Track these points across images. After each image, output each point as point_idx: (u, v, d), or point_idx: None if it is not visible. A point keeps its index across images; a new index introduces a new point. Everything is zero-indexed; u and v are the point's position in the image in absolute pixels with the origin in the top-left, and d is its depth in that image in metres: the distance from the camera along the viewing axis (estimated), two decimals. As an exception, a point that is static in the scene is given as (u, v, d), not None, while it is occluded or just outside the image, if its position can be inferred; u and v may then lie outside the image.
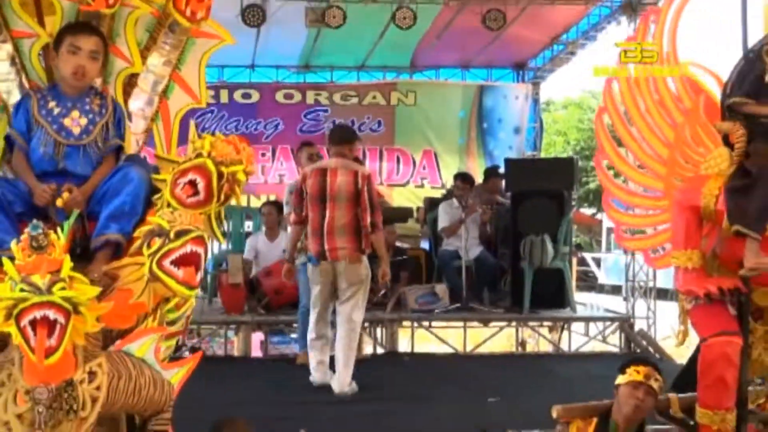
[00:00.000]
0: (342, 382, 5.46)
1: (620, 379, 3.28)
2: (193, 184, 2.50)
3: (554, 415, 3.47)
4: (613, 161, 3.83)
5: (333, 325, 5.71)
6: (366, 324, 7.12)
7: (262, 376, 6.44)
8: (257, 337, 8.11)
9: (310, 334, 5.71)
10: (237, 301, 7.40)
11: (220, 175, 2.49)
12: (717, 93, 3.46)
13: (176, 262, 2.39)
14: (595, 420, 3.40)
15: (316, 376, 5.60)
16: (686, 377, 4.04)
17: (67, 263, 2.17)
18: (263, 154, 10.81)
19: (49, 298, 2.09)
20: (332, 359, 5.70)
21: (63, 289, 2.11)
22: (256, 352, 8.01)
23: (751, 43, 3.32)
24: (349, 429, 4.50)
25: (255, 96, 10.93)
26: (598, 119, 3.95)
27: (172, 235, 2.40)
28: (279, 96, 11.08)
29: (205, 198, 2.50)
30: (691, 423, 3.35)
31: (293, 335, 8.19)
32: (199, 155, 2.50)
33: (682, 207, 3.34)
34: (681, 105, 3.60)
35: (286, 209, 6.79)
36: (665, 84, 3.65)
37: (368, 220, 5.42)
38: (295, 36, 9.61)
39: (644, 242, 3.84)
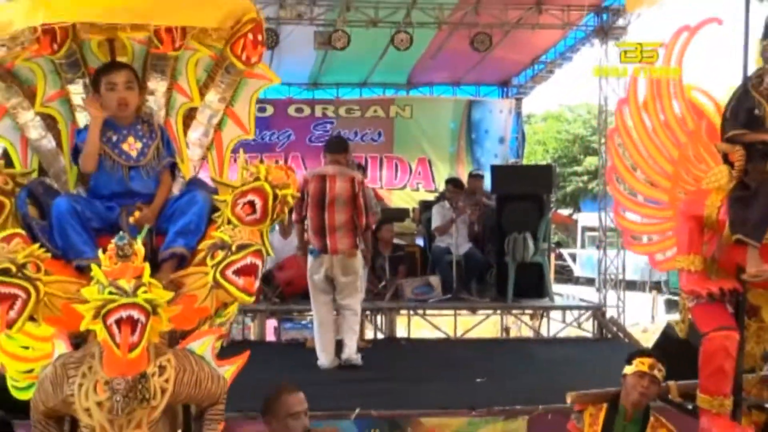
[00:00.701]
0: (349, 353, 5.66)
1: (627, 369, 3.29)
2: (251, 204, 2.51)
3: (568, 401, 3.47)
4: (624, 176, 3.81)
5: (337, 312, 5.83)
6: (367, 312, 7.17)
7: (276, 357, 6.44)
8: (271, 323, 8.16)
9: (315, 322, 5.82)
10: (255, 292, 7.42)
11: (275, 197, 2.51)
12: (716, 116, 3.45)
13: (238, 272, 2.40)
14: (605, 406, 3.39)
15: (322, 359, 5.66)
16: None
17: (147, 270, 2.19)
18: (276, 162, 10.75)
19: (134, 300, 2.12)
20: (338, 343, 5.78)
21: (145, 292, 2.14)
22: (270, 337, 8.06)
23: (750, 70, 3.32)
24: (354, 404, 4.48)
25: (269, 110, 10.89)
26: (610, 140, 3.97)
27: (234, 248, 2.41)
28: (290, 110, 11.10)
29: (261, 216, 2.52)
30: (689, 407, 3.36)
31: (303, 321, 8.22)
32: (257, 179, 2.52)
33: (686, 217, 3.35)
34: (685, 127, 3.58)
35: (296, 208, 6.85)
36: (671, 107, 3.63)
37: (363, 220, 5.55)
38: (304, 57, 9.61)
39: (651, 247, 3.82)
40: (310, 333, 7.03)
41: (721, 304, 3.20)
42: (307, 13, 8.11)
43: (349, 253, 5.53)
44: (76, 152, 2.67)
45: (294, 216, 5.87)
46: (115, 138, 2.61)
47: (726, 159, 3.26)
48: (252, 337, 7.92)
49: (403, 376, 5.65)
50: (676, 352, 3.43)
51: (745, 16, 3.34)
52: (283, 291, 7.49)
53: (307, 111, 11.15)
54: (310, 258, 5.74)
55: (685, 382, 3.39)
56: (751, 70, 3.33)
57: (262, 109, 10.94)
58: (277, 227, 7.96)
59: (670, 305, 13.28)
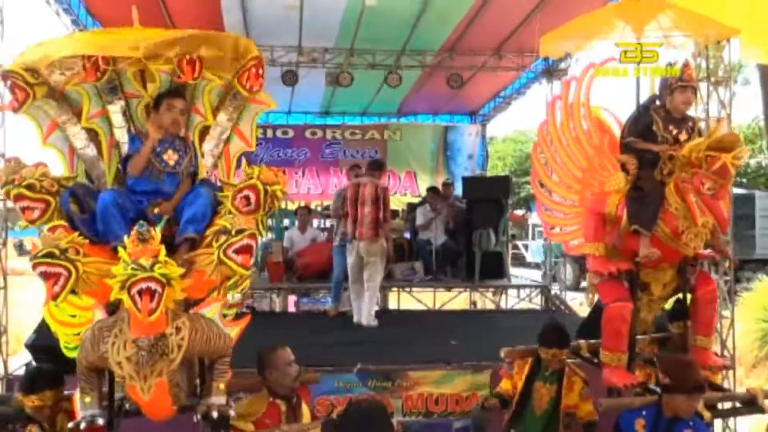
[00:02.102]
0: (367, 318, 5.91)
1: (541, 352, 3.36)
2: (247, 198, 2.51)
3: (501, 355, 3.47)
4: (544, 181, 3.79)
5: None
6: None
7: (296, 325, 6.43)
8: (292, 299, 8.19)
9: (351, 289, 6.13)
10: (278, 274, 7.47)
11: (266, 192, 2.51)
12: (617, 133, 3.45)
13: (237, 251, 2.40)
14: (530, 359, 3.41)
15: (355, 315, 6.03)
16: (586, 327, 4.05)
17: (163, 251, 2.18)
18: (296, 173, 10.86)
19: (151, 274, 2.11)
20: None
21: (160, 268, 2.13)
22: (291, 309, 8.11)
23: (642, 98, 3.34)
24: (356, 360, 4.48)
25: (290, 133, 10.92)
26: (534, 151, 3.87)
27: (233, 232, 2.42)
28: (307, 133, 11.06)
29: (255, 207, 2.51)
30: (595, 361, 3.36)
31: (317, 297, 8.22)
32: (251, 178, 2.52)
33: (592, 212, 3.35)
34: (592, 142, 3.58)
35: (332, 206, 7.08)
36: (581, 126, 3.61)
37: (382, 215, 5.80)
38: (318, 92, 9.59)
39: (565, 236, 3.79)
40: (325, 305, 7.16)
41: (619, 281, 3.20)
42: (320, 59, 8.09)
43: (371, 239, 5.67)
44: (126, 159, 2.66)
45: (337, 212, 6.44)
46: (159, 149, 2.61)
47: (623, 167, 3.26)
48: (277, 309, 7.93)
49: (394, 339, 5.63)
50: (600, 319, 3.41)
51: (638, 54, 3.37)
52: (302, 274, 7.54)
53: (319, 134, 11.14)
54: (347, 245, 6.04)
55: (593, 341, 3.40)
56: (642, 96, 3.34)
57: (285, 132, 11.04)
58: (296, 224, 7.97)
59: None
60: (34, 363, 4.52)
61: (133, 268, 2.10)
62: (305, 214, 8.06)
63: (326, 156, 10.96)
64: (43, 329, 4.82)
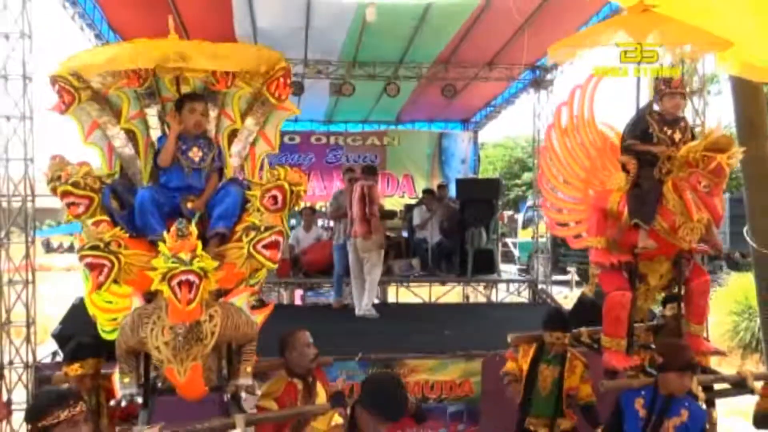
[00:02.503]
0: (363, 308, 5.88)
1: (546, 336, 3.39)
2: (274, 197, 2.53)
3: (509, 340, 3.52)
4: (550, 180, 3.80)
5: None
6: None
7: (302, 316, 6.45)
8: (298, 292, 8.20)
9: (353, 284, 6.12)
10: (285, 269, 7.44)
11: (291, 192, 2.53)
12: (617, 139, 3.47)
13: (265, 246, 2.44)
14: (535, 345, 3.45)
15: (356, 309, 5.99)
16: (575, 315, 4.08)
17: (200, 246, 2.21)
18: (292, 166, 10.88)
19: (190, 268, 2.15)
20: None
21: (198, 262, 2.16)
22: (297, 302, 8.10)
23: (642, 100, 3.38)
24: (358, 350, 4.48)
25: (297, 139, 10.87)
26: (542, 155, 3.89)
27: (262, 229, 2.45)
28: (312, 139, 11.02)
29: (281, 206, 2.54)
30: (595, 346, 3.40)
31: (321, 291, 8.22)
32: (278, 179, 2.55)
33: (594, 208, 3.38)
34: (594, 145, 3.59)
35: (329, 209, 7.13)
36: (585, 132, 3.63)
37: (367, 209, 5.75)
38: (322, 101, 9.57)
39: (569, 231, 3.79)
40: (329, 299, 7.16)
41: (619, 272, 3.21)
42: (324, 70, 8.08)
43: (363, 236, 5.71)
44: (156, 154, 2.67)
45: (336, 213, 6.39)
46: (184, 147, 2.62)
47: (624, 167, 3.28)
48: (285, 301, 7.93)
49: (392, 330, 5.64)
50: (588, 310, 3.44)
51: (638, 64, 3.37)
52: (307, 269, 7.55)
53: (324, 140, 11.10)
54: (348, 243, 6.06)
55: (593, 328, 3.42)
56: (642, 102, 3.37)
57: (292, 139, 10.99)
58: (302, 223, 7.97)
59: (583, 279, 13.32)
60: (60, 352, 4.53)
61: (173, 262, 2.14)
62: (310, 214, 8.08)
63: (330, 160, 10.94)
64: (68, 320, 4.83)
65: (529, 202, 15.68)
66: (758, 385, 3.06)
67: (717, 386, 3.24)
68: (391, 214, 9.30)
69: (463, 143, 11.38)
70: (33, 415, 2.08)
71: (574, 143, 3.63)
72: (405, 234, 8.72)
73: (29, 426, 2.10)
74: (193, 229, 2.26)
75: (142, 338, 2.27)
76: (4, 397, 4.50)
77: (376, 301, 7.60)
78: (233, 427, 2.32)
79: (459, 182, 8.95)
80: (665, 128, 3.17)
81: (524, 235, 13.04)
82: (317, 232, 8.00)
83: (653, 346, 3.24)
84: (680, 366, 2.79)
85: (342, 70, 8.12)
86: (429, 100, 9.54)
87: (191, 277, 2.14)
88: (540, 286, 8.08)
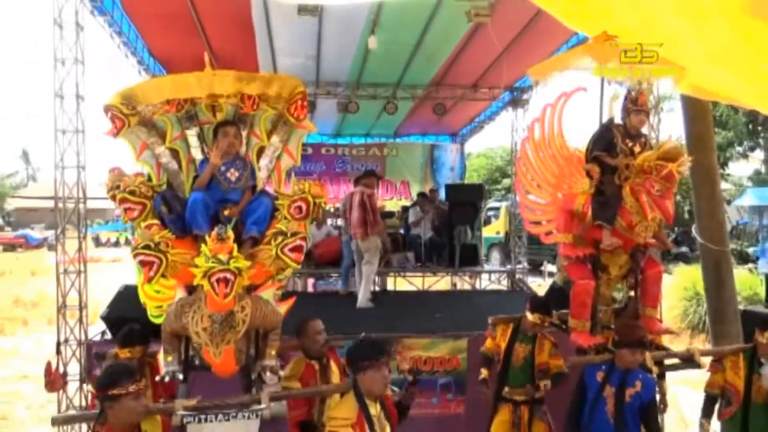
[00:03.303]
0: (361, 300, 5.73)
1: (529, 316, 3.35)
2: (299, 208, 2.56)
3: (489, 321, 3.51)
4: (525, 185, 3.82)
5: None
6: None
7: (313, 302, 6.43)
8: (310, 281, 8.17)
9: (356, 275, 6.04)
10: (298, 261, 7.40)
11: (314, 204, 2.56)
12: (581, 152, 3.48)
13: (291, 250, 2.46)
14: (512, 325, 3.44)
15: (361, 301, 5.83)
16: (544, 302, 4.07)
17: (236, 248, 2.24)
18: (315, 181, 10.81)
19: (227, 267, 2.17)
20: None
21: (234, 262, 2.18)
22: (310, 289, 8.07)
23: (604, 119, 3.35)
24: (361, 330, 4.47)
25: (309, 150, 10.82)
26: (518, 163, 3.93)
27: (289, 234, 2.47)
28: (322, 150, 11.01)
29: (305, 215, 2.57)
30: (564, 327, 3.41)
31: (330, 280, 8.22)
32: (303, 192, 2.58)
33: (562, 209, 3.40)
34: (562, 154, 3.61)
35: (342, 208, 6.95)
36: (555, 145, 3.65)
37: (368, 218, 5.62)
38: (331, 117, 9.57)
39: (541, 228, 3.82)
40: (336, 287, 7.12)
41: (584, 263, 3.24)
42: (333, 91, 8.08)
43: (361, 237, 5.63)
44: (196, 176, 2.70)
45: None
46: (223, 168, 2.64)
47: (588, 174, 3.29)
48: (299, 289, 7.91)
49: (391, 313, 5.65)
50: (558, 296, 3.44)
51: (601, 86, 3.38)
52: (318, 261, 7.51)
53: (332, 151, 11.09)
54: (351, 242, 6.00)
55: (563, 311, 3.42)
56: (604, 118, 3.35)
57: (305, 150, 10.93)
58: (314, 221, 7.97)
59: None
60: (108, 332, 4.54)
61: (213, 261, 2.16)
62: (321, 214, 8.09)
63: (337, 168, 10.95)
64: (114, 304, 4.84)
65: (491, 204, 15.77)
66: (705, 360, 3.08)
67: (668, 361, 3.26)
68: (390, 215, 9.35)
69: (451, 154, 11.39)
70: (105, 383, 2.08)
71: (545, 154, 3.65)
72: (402, 231, 8.73)
73: (98, 393, 2.10)
74: (231, 233, 2.28)
75: (184, 324, 2.29)
76: (61, 370, 4.51)
77: (377, 289, 7.64)
78: (259, 402, 2.34)
79: (448, 187, 8.93)
80: (627, 140, 3.18)
81: (486, 232, 13.09)
82: (327, 229, 8.01)
83: (613, 327, 3.24)
84: (632, 343, 2.82)
85: (348, 91, 8.12)
86: (422, 117, 9.55)
87: (228, 275, 2.16)
88: (517, 276, 8.07)
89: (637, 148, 3.17)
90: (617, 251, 3.24)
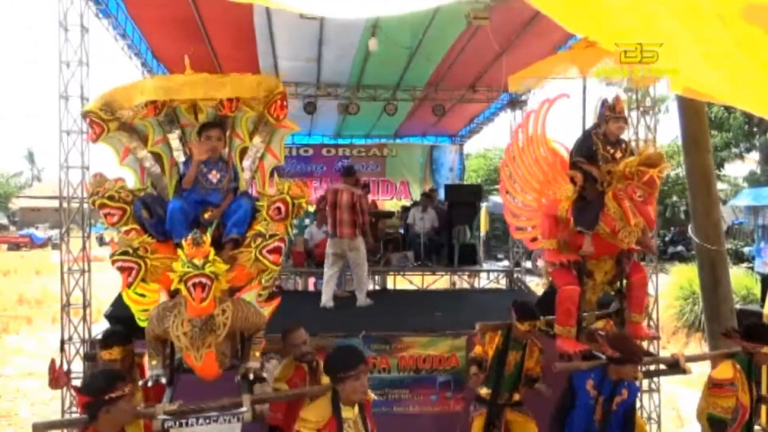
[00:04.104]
0: (361, 300, 5.59)
1: (519, 324, 3.23)
2: (278, 209, 2.53)
3: (477, 328, 3.40)
4: (509, 190, 3.81)
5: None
6: (369, 273, 7.14)
7: (315, 300, 6.40)
8: (311, 280, 8.14)
9: (324, 278, 5.68)
10: (300, 260, 7.43)
11: (293, 204, 2.53)
12: (566, 155, 3.47)
13: (270, 251, 2.43)
14: (500, 332, 3.35)
15: (324, 301, 5.56)
16: (541, 304, 4.07)
17: (212, 252, 2.20)
18: (315, 183, 10.82)
19: (202, 271, 2.14)
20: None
21: (210, 266, 2.15)
22: (311, 288, 8.04)
23: (587, 126, 3.36)
24: (361, 328, 4.49)
25: (310, 151, 10.90)
26: (502, 169, 3.89)
27: (267, 236, 2.45)
28: (323, 151, 11.02)
29: (284, 216, 2.54)
30: (550, 333, 3.37)
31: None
32: (282, 193, 2.55)
33: (546, 215, 3.39)
34: (547, 161, 3.61)
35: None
36: (539, 150, 3.64)
37: (359, 219, 5.48)
38: (332, 118, 9.56)
39: (526, 234, 3.82)
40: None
41: (569, 269, 3.21)
42: (333, 93, 8.07)
43: (350, 237, 5.49)
44: (181, 177, 2.68)
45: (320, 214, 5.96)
46: (205, 170, 2.63)
47: (572, 180, 3.28)
48: (300, 288, 7.93)
49: (391, 311, 5.65)
50: (552, 301, 3.41)
51: (583, 92, 3.38)
52: (319, 260, 7.42)
53: (333, 152, 11.11)
54: (329, 240, 5.70)
55: (549, 317, 3.39)
56: (588, 124, 3.37)
57: (306, 151, 11.00)
58: (315, 221, 7.97)
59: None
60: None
61: (188, 266, 2.14)
62: (322, 214, 8.05)
63: (338, 169, 10.87)
64: (118, 303, 4.85)
65: None
66: (690, 365, 3.05)
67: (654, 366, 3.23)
68: (390, 215, 9.35)
69: (450, 154, 11.38)
70: (101, 387, 2.05)
71: (530, 159, 3.64)
72: (402, 231, 8.73)
73: (92, 397, 2.05)
74: (207, 238, 2.26)
75: (166, 328, 2.28)
76: (65, 368, 4.51)
77: (377, 288, 7.63)
78: (241, 405, 2.31)
79: (447, 187, 8.95)
80: (608, 147, 3.17)
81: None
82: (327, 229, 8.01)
83: (602, 333, 3.20)
84: (636, 358, 2.80)
85: (349, 92, 8.12)
86: (422, 118, 9.54)
87: (203, 280, 2.13)
88: (515, 275, 8.08)
89: (618, 154, 3.15)
90: (603, 257, 3.22)
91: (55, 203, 5.02)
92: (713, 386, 2.90)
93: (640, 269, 3.34)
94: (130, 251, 2.32)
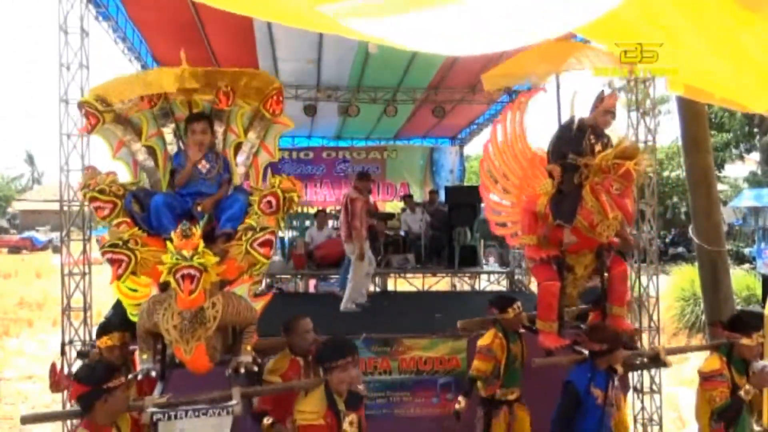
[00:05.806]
0: (344, 304, 5.51)
1: (505, 315, 3.25)
2: (269, 202, 2.52)
3: (459, 326, 3.39)
4: (489, 187, 3.80)
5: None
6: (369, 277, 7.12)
7: (315, 302, 6.43)
8: (312, 282, 8.15)
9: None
10: (301, 263, 7.41)
11: (284, 198, 2.51)
12: (543, 152, 3.46)
13: (260, 244, 2.42)
14: (494, 329, 3.29)
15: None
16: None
17: (201, 244, 2.19)
18: (315, 185, 10.82)
19: (191, 263, 2.13)
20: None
21: (198, 258, 2.14)
22: (311, 290, 8.06)
23: (562, 120, 3.39)
24: (362, 330, 4.46)
25: (310, 153, 10.89)
26: (481, 166, 3.88)
27: (258, 229, 2.43)
28: (324, 153, 11.00)
29: (276, 209, 2.52)
30: (534, 328, 3.36)
31: (331, 281, 8.22)
32: (273, 187, 2.53)
33: (526, 211, 3.38)
34: (525, 156, 3.60)
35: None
36: (517, 145, 3.63)
37: (349, 221, 5.45)
38: (332, 120, 9.57)
39: (507, 230, 3.80)
40: (334, 288, 7.07)
41: (549, 264, 3.22)
42: (334, 95, 8.09)
43: (345, 239, 5.56)
44: (173, 172, 2.68)
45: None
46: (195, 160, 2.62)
47: (550, 175, 3.28)
48: (300, 290, 7.92)
49: (391, 313, 5.64)
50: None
51: (557, 88, 3.37)
52: (319, 263, 7.50)
53: (333, 154, 11.09)
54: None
55: (531, 313, 3.39)
56: (563, 118, 3.42)
57: (306, 153, 11.01)
58: (315, 224, 7.98)
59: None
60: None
61: (177, 258, 2.13)
62: (323, 216, 8.09)
63: (338, 171, 10.95)
64: (118, 306, 4.84)
65: None
66: (669, 359, 3.04)
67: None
68: (390, 216, 9.34)
69: (451, 156, 11.38)
70: (101, 377, 2.04)
71: (508, 156, 3.64)
72: (402, 233, 8.75)
73: (91, 387, 2.03)
74: (196, 230, 2.25)
75: (156, 322, 2.27)
76: (65, 371, 4.51)
77: (378, 290, 7.62)
78: (231, 398, 2.29)
79: (447, 189, 8.94)
80: (592, 137, 3.17)
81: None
82: (328, 231, 8.00)
83: (582, 327, 3.19)
84: (622, 344, 2.80)
85: (349, 94, 8.13)
86: (422, 120, 9.55)
87: (192, 271, 2.12)
88: (516, 277, 8.07)
89: (598, 147, 3.15)
90: (582, 251, 3.21)
91: (56, 206, 5.02)
92: (704, 380, 2.88)
93: (620, 263, 3.32)
94: (120, 243, 2.30)
